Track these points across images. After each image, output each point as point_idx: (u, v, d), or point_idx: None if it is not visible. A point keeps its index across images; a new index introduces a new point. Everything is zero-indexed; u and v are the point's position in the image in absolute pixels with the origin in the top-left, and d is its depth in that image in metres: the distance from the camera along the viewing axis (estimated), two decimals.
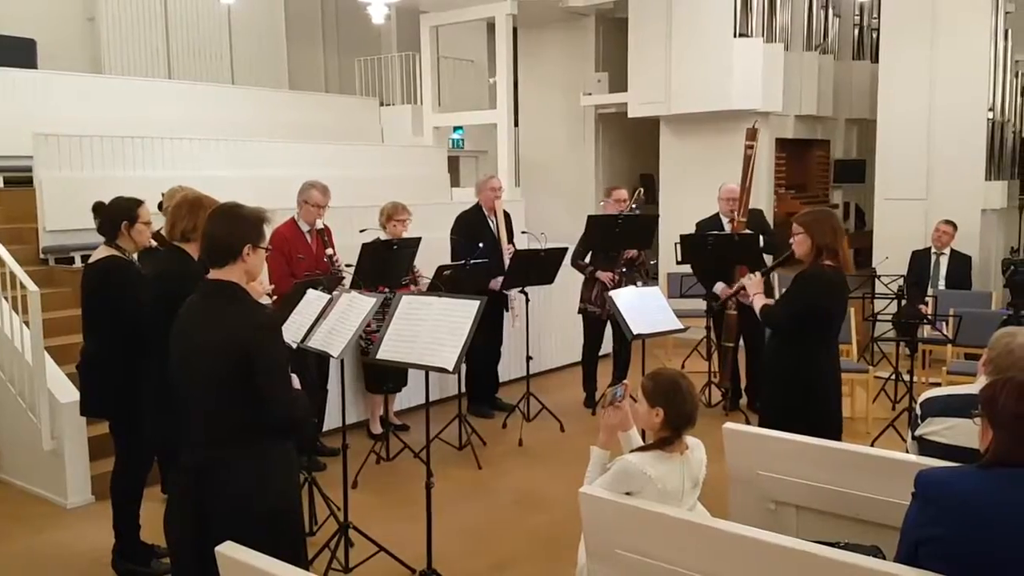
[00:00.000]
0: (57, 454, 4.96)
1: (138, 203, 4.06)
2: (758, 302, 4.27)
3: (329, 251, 5.49)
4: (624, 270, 6.61)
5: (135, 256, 4.14)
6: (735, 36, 8.90)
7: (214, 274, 2.72)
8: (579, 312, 6.84)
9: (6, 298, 5.36)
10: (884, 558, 2.48)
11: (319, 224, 5.57)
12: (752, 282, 4.39)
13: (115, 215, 4.02)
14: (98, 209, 4.11)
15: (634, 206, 6.70)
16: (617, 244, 6.55)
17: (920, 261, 8.00)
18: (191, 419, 2.70)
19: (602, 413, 3.06)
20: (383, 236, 5.81)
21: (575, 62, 11.58)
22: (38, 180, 7.10)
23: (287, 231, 5.49)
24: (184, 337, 2.70)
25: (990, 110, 8.15)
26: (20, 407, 5.18)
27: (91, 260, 4.08)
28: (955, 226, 7.86)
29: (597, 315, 6.67)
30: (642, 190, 7.00)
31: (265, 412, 2.59)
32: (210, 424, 2.64)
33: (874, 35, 10.36)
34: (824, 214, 4.18)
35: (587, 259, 6.66)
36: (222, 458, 2.61)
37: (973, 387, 3.03)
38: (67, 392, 5.00)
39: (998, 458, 2.14)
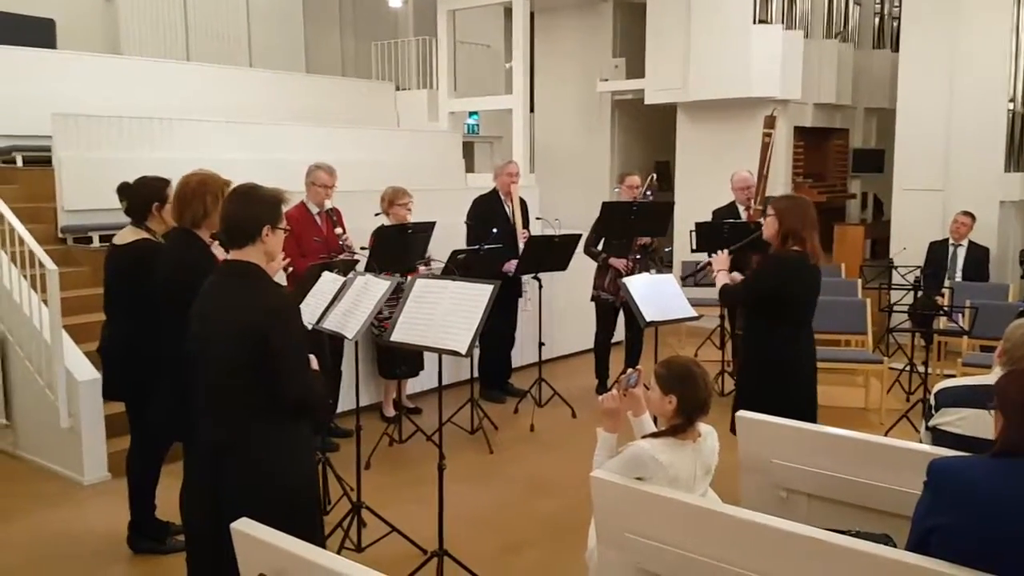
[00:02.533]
0: (74, 431, 5.02)
1: (166, 183, 3.97)
2: (720, 279, 4.40)
3: (338, 231, 5.51)
4: (639, 257, 6.60)
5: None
6: (755, 22, 8.85)
7: (233, 255, 2.72)
8: (592, 299, 6.83)
9: (25, 277, 5.40)
10: (895, 546, 2.48)
11: (328, 205, 5.60)
12: (718, 259, 4.49)
13: (145, 196, 3.95)
14: (124, 190, 4.03)
15: (649, 193, 6.68)
16: (631, 231, 6.53)
17: (937, 252, 7.95)
18: (209, 398, 2.71)
19: (601, 399, 3.06)
20: (387, 222, 5.80)
21: (592, 47, 11.53)
22: (57, 160, 7.14)
23: (297, 214, 5.50)
24: (203, 318, 2.71)
25: (1010, 101, 8.08)
26: (38, 385, 5.23)
27: (120, 242, 3.99)
28: (973, 217, 7.80)
29: (610, 302, 6.67)
30: (655, 176, 6.96)
31: (282, 393, 2.60)
32: (228, 404, 2.65)
33: (895, 24, 10.29)
34: (798, 201, 4.23)
35: (599, 246, 6.66)
36: (240, 438, 2.62)
37: (988, 378, 3.01)
38: (85, 370, 5.06)
39: (1006, 447, 2.14)
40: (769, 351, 4.16)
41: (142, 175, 4.08)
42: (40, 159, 7.72)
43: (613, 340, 6.95)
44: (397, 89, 12.45)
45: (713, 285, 6.63)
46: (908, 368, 6.78)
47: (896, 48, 9.49)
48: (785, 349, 4.14)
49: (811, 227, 4.06)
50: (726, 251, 4.52)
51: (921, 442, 3.27)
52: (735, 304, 4.36)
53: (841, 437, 3.19)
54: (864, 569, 2.26)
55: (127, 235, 3.99)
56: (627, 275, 5.88)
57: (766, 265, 4.21)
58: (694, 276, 5.27)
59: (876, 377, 6.54)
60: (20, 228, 5.45)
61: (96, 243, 6.93)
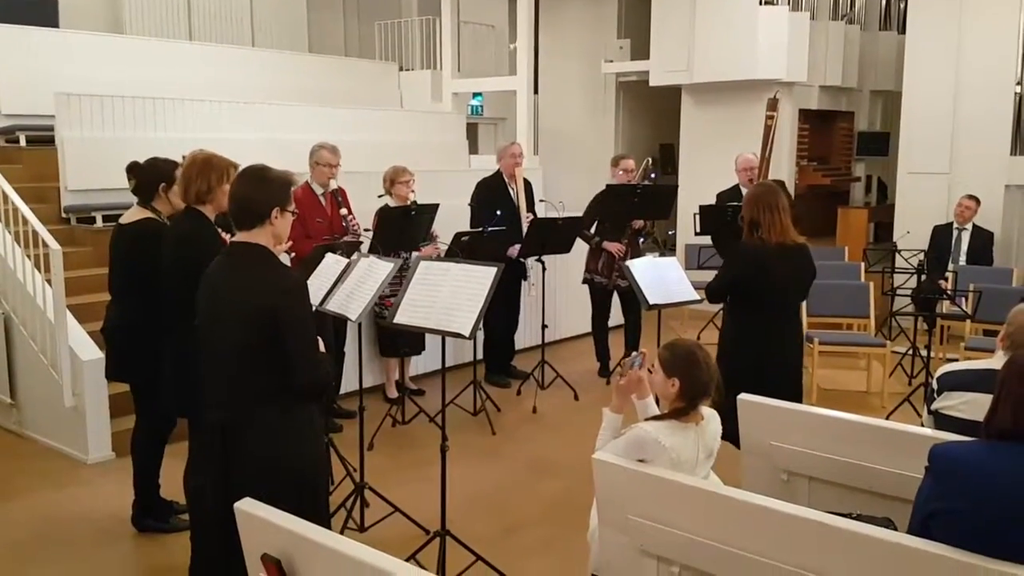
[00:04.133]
0: (78, 411, 5.04)
1: (175, 165, 3.93)
2: None
3: (343, 211, 5.50)
4: (642, 240, 6.58)
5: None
6: (760, 4, 8.78)
7: (241, 236, 2.70)
8: (584, 282, 6.83)
9: (29, 256, 5.41)
10: (896, 530, 2.49)
11: (333, 185, 5.58)
12: None
13: (153, 177, 3.94)
14: (133, 169, 4.01)
15: (653, 176, 6.64)
16: (635, 214, 6.51)
17: (941, 236, 7.93)
18: (217, 379, 2.71)
19: (619, 379, 3.08)
20: (390, 202, 5.78)
21: (597, 28, 11.46)
22: (60, 140, 7.13)
23: (302, 194, 5.49)
24: (211, 299, 2.71)
25: (1017, 84, 8.02)
26: (42, 364, 5.25)
27: (125, 221, 3.99)
28: (978, 201, 7.77)
29: (603, 285, 6.67)
30: (650, 160, 6.93)
31: (291, 375, 2.59)
32: (236, 385, 2.65)
33: (901, 5, 10.20)
34: (759, 189, 4.22)
35: (592, 229, 6.63)
36: (248, 419, 2.62)
37: (990, 362, 3.02)
38: (88, 350, 5.07)
39: (1001, 431, 2.14)
40: (738, 342, 4.17)
41: (152, 156, 4.06)
42: (43, 139, 7.70)
43: (613, 323, 6.94)
44: (400, 69, 12.38)
45: (716, 268, 6.67)
46: (911, 352, 6.78)
47: (903, 30, 9.41)
48: (753, 340, 4.12)
49: (771, 210, 4.02)
50: None
51: (923, 426, 3.28)
52: (714, 300, 4.38)
53: (843, 420, 3.19)
54: (865, 552, 2.27)
55: (133, 214, 3.99)
56: (621, 259, 5.88)
57: (726, 257, 4.25)
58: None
59: (878, 360, 6.54)
60: (24, 208, 5.45)
61: (99, 223, 6.93)
